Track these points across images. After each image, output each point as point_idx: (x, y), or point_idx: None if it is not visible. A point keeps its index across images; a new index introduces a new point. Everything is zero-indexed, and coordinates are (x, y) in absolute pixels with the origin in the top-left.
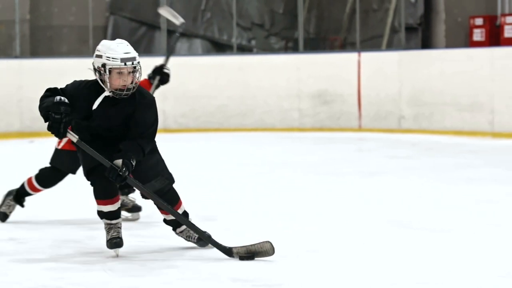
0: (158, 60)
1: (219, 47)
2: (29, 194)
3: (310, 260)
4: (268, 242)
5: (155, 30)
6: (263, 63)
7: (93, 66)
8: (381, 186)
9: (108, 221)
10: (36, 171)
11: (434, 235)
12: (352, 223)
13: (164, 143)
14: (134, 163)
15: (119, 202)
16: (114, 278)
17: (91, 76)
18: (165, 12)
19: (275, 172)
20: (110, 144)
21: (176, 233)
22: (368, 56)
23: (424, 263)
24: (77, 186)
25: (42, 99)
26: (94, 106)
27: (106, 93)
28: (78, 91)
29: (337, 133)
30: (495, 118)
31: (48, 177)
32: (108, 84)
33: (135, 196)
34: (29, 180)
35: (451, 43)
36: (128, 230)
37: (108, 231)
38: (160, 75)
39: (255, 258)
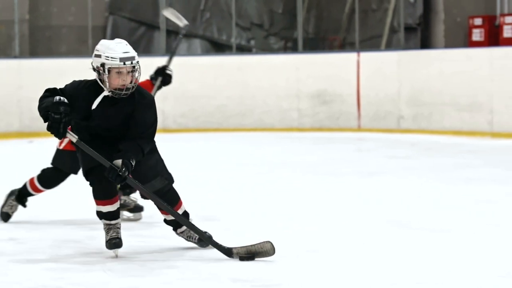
0: (157, 60)
1: (218, 47)
2: (31, 195)
3: (309, 260)
4: (269, 242)
5: (154, 30)
6: (262, 63)
7: (92, 65)
8: (380, 186)
9: (107, 222)
10: (38, 172)
11: (434, 235)
12: (351, 223)
13: (163, 143)
14: (133, 163)
15: (118, 202)
16: (114, 278)
17: (90, 76)
18: (169, 14)
19: (274, 172)
20: (110, 144)
21: (177, 234)
22: (367, 56)
23: (424, 263)
24: (77, 186)
25: (41, 99)
26: (93, 106)
27: (105, 93)
28: (77, 91)
29: (336, 133)
30: (494, 118)
31: (50, 178)
32: (107, 83)
33: (137, 196)
34: (31, 180)
35: (450, 43)
36: (128, 230)
37: (107, 232)
38: (163, 76)
39: (255, 259)
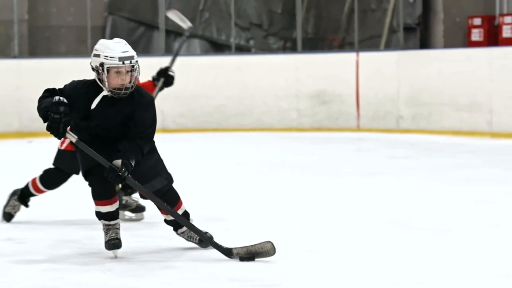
0: (156, 60)
1: (218, 47)
2: (33, 195)
3: (309, 260)
4: (269, 242)
5: (153, 30)
6: (261, 63)
7: (91, 65)
8: (380, 186)
9: (107, 222)
10: (41, 172)
11: (433, 235)
12: (351, 223)
13: (162, 143)
14: (133, 163)
15: (117, 203)
16: (113, 279)
17: (90, 76)
18: (173, 16)
19: (274, 172)
20: (109, 144)
21: (177, 234)
22: (366, 56)
23: (424, 263)
24: (76, 187)
25: (41, 99)
26: (93, 106)
27: (105, 93)
28: (76, 91)
29: (335, 133)
30: (494, 118)
31: (52, 178)
32: (106, 83)
33: (138, 197)
34: (33, 181)
35: (449, 43)
36: (128, 231)
37: (106, 232)
38: (165, 77)
39: (256, 259)
